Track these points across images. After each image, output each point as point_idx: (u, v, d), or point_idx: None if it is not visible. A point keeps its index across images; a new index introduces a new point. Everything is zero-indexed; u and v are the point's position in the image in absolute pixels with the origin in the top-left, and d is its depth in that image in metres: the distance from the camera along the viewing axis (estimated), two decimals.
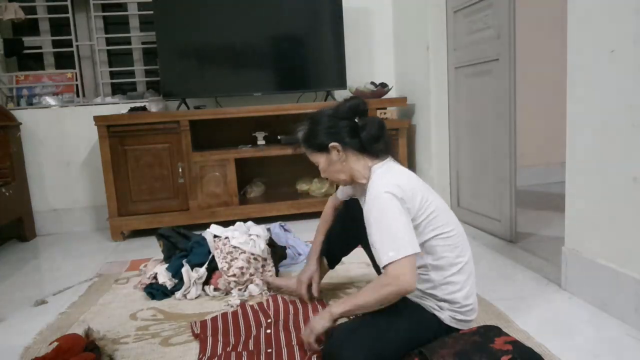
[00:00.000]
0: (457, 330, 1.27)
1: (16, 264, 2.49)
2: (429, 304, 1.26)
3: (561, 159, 1.78)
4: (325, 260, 1.69)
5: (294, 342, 1.40)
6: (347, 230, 1.59)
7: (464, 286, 1.25)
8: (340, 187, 1.61)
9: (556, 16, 2.59)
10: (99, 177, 2.92)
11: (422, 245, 1.22)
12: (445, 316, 1.25)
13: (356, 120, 1.33)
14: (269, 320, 1.55)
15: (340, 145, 1.32)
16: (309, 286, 1.66)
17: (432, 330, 1.24)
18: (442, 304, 1.25)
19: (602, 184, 1.54)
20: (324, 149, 1.34)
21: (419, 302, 1.27)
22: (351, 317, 1.30)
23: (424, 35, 2.83)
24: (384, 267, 1.14)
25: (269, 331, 1.47)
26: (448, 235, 1.25)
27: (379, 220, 1.17)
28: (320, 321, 1.26)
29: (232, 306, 1.71)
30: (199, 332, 1.50)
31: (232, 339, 1.45)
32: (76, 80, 3.19)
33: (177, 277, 1.88)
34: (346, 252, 1.69)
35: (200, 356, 1.36)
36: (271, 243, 2.01)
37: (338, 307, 1.24)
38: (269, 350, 1.35)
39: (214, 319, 1.58)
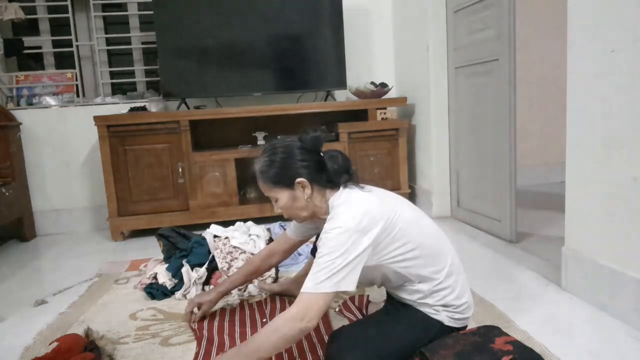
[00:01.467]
0: (458, 329, 1.27)
1: (16, 264, 2.49)
2: (426, 310, 1.25)
3: (561, 159, 1.78)
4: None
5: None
6: None
7: (454, 288, 1.24)
8: (294, 222, 1.51)
9: (556, 16, 2.59)
10: (99, 177, 2.92)
11: (394, 262, 1.19)
12: (443, 317, 1.25)
13: (321, 154, 1.26)
14: (264, 320, 1.57)
15: (308, 181, 1.23)
16: (197, 307, 1.59)
17: (434, 332, 1.23)
18: (437, 308, 1.24)
19: (602, 184, 1.54)
20: (287, 184, 1.24)
21: (417, 307, 1.27)
22: (353, 321, 1.29)
23: (424, 35, 2.83)
24: (299, 295, 1.11)
25: None
26: (424, 245, 1.21)
27: (322, 256, 1.10)
28: None
29: (232, 306, 1.71)
30: (196, 328, 1.52)
31: (226, 336, 1.46)
32: (76, 80, 3.19)
33: (177, 277, 1.88)
34: None
35: (197, 350, 1.38)
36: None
37: None
38: None
39: (212, 316, 1.61)
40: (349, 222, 1.12)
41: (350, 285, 1.11)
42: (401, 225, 1.18)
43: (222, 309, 1.68)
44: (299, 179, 1.22)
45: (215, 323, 1.57)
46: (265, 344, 1.09)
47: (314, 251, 1.73)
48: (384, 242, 1.16)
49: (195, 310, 1.58)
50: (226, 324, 1.56)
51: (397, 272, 1.21)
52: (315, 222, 1.42)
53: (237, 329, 1.52)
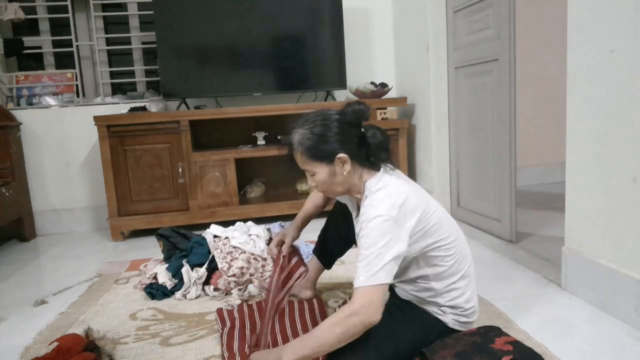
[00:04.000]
0: (460, 331, 1.27)
1: (16, 264, 2.49)
2: (432, 309, 1.26)
3: (561, 159, 1.78)
4: (317, 261, 1.70)
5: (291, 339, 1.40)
6: (341, 231, 1.59)
7: (465, 291, 1.24)
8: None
9: (556, 16, 2.59)
10: (99, 177, 2.92)
11: (423, 255, 1.20)
12: (448, 319, 1.25)
13: (362, 129, 1.22)
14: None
15: (349, 157, 1.18)
16: (281, 245, 1.55)
17: (436, 333, 1.23)
18: (445, 309, 1.25)
19: (602, 183, 1.54)
20: (327, 159, 1.18)
21: (422, 307, 1.27)
22: None
23: (424, 35, 2.83)
24: (354, 290, 1.10)
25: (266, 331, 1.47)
26: (449, 246, 1.21)
27: (368, 247, 1.09)
28: (268, 357, 1.16)
29: (232, 306, 1.71)
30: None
31: (236, 334, 1.46)
32: (76, 80, 3.19)
33: (177, 277, 1.88)
34: (341, 252, 1.69)
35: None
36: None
37: (290, 353, 1.10)
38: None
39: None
40: (390, 211, 1.10)
41: (392, 276, 1.10)
42: (435, 220, 1.18)
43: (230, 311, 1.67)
44: (340, 155, 1.17)
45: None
46: (328, 338, 1.07)
47: (315, 251, 1.74)
48: (418, 234, 1.16)
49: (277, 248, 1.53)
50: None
51: (419, 264, 1.21)
52: (348, 203, 1.41)
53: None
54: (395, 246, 1.09)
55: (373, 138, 1.20)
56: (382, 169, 1.22)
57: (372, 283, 1.06)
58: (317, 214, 1.61)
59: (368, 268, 1.07)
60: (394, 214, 1.10)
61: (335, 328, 1.06)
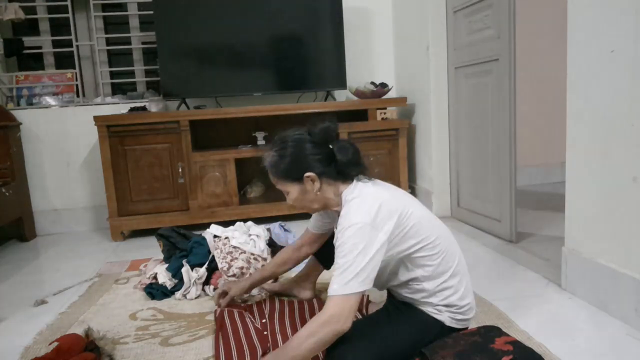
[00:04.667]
0: (459, 330, 1.27)
1: (16, 264, 2.49)
2: (428, 309, 1.26)
3: (561, 159, 1.78)
4: (316, 261, 1.70)
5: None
6: None
7: (458, 288, 1.24)
8: (313, 217, 1.54)
9: (556, 16, 2.59)
10: (99, 177, 2.92)
11: (407, 257, 1.20)
12: (444, 318, 1.25)
13: (330, 146, 1.25)
14: (264, 320, 1.56)
15: (316, 174, 1.23)
16: (223, 295, 1.67)
17: (434, 332, 1.23)
18: (440, 307, 1.25)
19: (602, 184, 1.54)
20: (297, 178, 1.24)
21: (419, 307, 1.27)
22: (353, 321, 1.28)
23: (424, 35, 2.83)
24: (327, 298, 1.11)
25: (265, 332, 1.46)
26: (432, 245, 1.21)
27: (344, 255, 1.10)
28: None
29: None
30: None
31: (231, 336, 1.45)
32: (76, 80, 3.19)
33: (177, 277, 1.88)
34: None
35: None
36: (271, 243, 2.01)
37: None
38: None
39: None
40: (365, 217, 1.12)
41: (371, 283, 1.11)
42: (414, 221, 1.19)
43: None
44: (307, 174, 1.22)
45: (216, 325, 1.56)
46: (301, 348, 1.08)
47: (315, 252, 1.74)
48: (398, 236, 1.17)
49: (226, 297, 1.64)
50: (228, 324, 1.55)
51: (407, 266, 1.21)
52: (330, 215, 1.44)
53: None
54: (371, 252, 1.10)
55: (343, 155, 1.24)
56: (355, 179, 1.26)
57: (345, 292, 1.07)
58: (295, 261, 1.66)
59: (342, 277, 1.09)
60: (368, 220, 1.12)
61: (309, 339, 1.08)
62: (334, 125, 1.26)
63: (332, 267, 1.69)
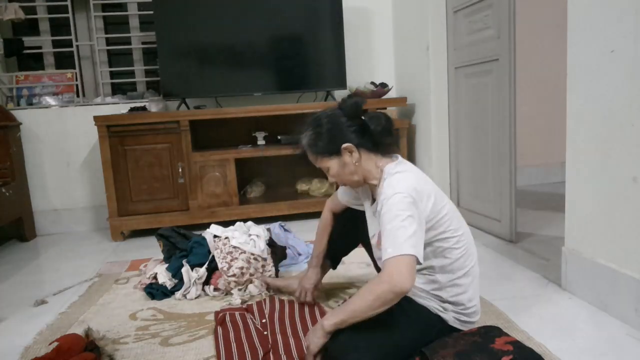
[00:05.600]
0: (460, 330, 1.27)
1: (16, 264, 2.49)
2: (434, 305, 1.26)
3: (561, 159, 1.78)
4: (328, 261, 1.69)
5: (292, 344, 1.38)
6: (348, 230, 1.58)
7: (468, 289, 1.26)
8: (342, 188, 1.54)
9: (556, 16, 2.59)
10: (99, 177, 2.92)
11: (431, 244, 1.21)
12: (449, 317, 1.25)
13: (362, 117, 1.28)
14: (264, 321, 1.55)
15: (354, 145, 1.26)
16: (313, 291, 1.65)
17: (436, 331, 1.24)
18: (446, 305, 1.25)
19: (602, 184, 1.54)
20: (335, 152, 1.27)
21: (424, 303, 1.27)
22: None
23: (424, 35, 2.83)
24: (383, 264, 1.13)
25: (265, 333, 1.46)
26: (458, 239, 1.23)
27: (391, 221, 1.12)
28: (313, 339, 1.19)
29: (232, 306, 1.71)
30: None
31: (232, 335, 1.45)
32: (76, 80, 3.19)
33: (177, 277, 1.88)
34: (347, 251, 1.69)
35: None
36: (271, 243, 2.01)
37: (330, 318, 1.17)
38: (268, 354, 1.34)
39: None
40: (410, 191, 1.15)
41: (422, 254, 1.12)
42: (446, 212, 1.22)
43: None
44: (344, 145, 1.25)
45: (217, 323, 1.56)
46: (361, 305, 1.11)
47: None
48: (432, 221, 1.19)
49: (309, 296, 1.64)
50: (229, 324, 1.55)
51: (428, 254, 1.22)
52: (363, 192, 1.43)
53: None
54: (415, 223, 1.11)
55: (376, 124, 1.26)
56: (398, 156, 1.30)
57: (398, 253, 1.08)
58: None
59: (392, 241, 1.10)
60: (413, 194, 1.14)
61: (367, 295, 1.11)
62: (361, 101, 1.29)
63: (337, 267, 1.72)
